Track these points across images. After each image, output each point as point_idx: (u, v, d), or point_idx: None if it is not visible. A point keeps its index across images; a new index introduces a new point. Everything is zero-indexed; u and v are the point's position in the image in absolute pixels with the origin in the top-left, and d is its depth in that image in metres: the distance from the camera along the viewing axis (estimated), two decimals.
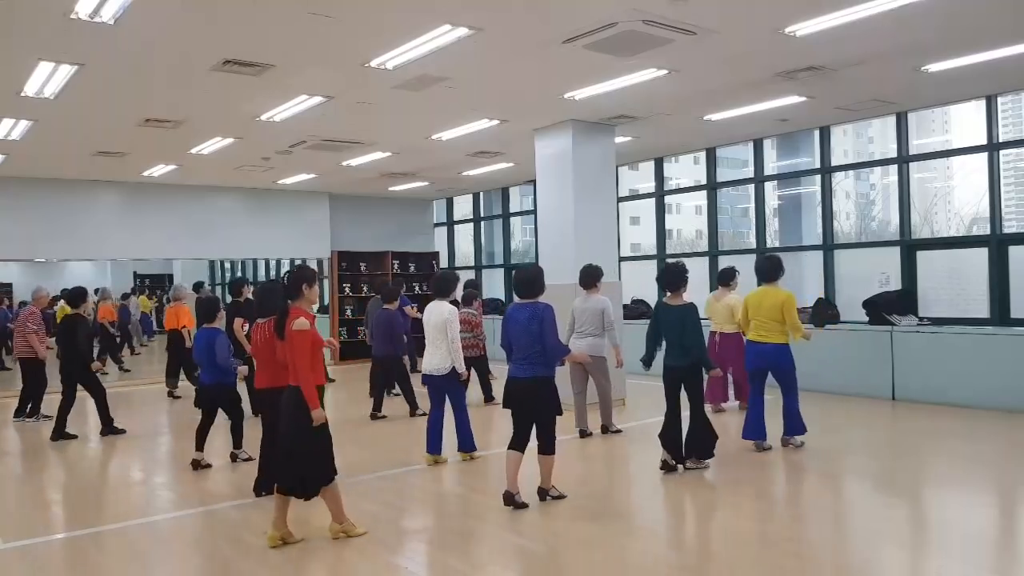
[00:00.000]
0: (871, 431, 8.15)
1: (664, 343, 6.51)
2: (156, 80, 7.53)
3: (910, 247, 10.13)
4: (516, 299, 5.75)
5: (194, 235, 14.39)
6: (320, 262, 16.44)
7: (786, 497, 6.06)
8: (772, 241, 11.97)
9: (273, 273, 23.11)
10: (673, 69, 7.59)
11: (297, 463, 4.81)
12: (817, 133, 10.91)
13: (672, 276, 6.52)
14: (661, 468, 6.45)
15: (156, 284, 24.80)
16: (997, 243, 9.28)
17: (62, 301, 9.86)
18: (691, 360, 6.34)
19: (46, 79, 7.31)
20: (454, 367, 6.81)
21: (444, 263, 17.71)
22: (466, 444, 7.12)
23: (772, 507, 5.81)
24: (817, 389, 10.05)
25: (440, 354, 6.80)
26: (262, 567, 4.67)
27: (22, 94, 7.74)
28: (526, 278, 5.65)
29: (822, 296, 10.73)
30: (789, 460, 6.81)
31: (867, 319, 10.05)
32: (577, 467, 6.89)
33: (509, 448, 5.61)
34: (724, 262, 11.29)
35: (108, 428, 8.81)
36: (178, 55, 6.79)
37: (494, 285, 16.99)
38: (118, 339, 15.62)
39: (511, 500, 5.54)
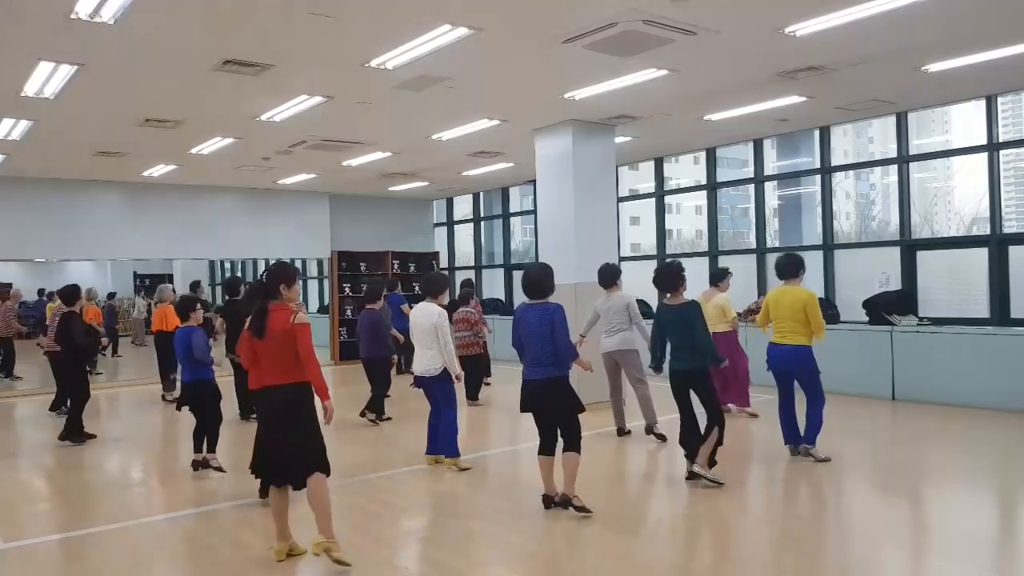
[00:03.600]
0: (871, 431, 8.15)
1: (669, 346, 6.23)
2: (156, 80, 7.53)
3: (910, 247, 10.13)
4: (525, 299, 5.58)
5: (194, 235, 14.39)
6: (320, 262, 16.45)
7: (787, 497, 6.06)
8: (772, 241, 11.97)
9: None
10: (673, 69, 7.59)
11: (307, 453, 4.60)
12: (817, 133, 10.91)
13: (667, 277, 6.24)
14: (687, 478, 6.14)
15: (156, 284, 24.73)
16: (997, 243, 9.28)
17: (57, 300, 9.69)
18: (696, 363, 6.03)
19: (46, 79, 7.31)
20: (444, 368, 6.66)
21: (444, 263, 17.71)
22: (450, 449, 6.89)
23: (773, 507, 5.82)
24: None
25: (429, 355, 6.67)
26: (261, 568, 4.67)
27: (22, 94, 7.74)
28: (534, 280, 5.50)
29: (822, 296, 10.73)
30: (789, 460, 6.80)
31: (867, 319, 10.05)
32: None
33: (539, 453, 5.59)
34: (724, 262, 11.32)
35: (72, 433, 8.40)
36: (178, 55, 6.79)
37: (494, 285, 16.98)
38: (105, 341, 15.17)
39: (549, 502, 5.52)
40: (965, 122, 10.26)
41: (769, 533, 5.17)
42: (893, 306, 9.84)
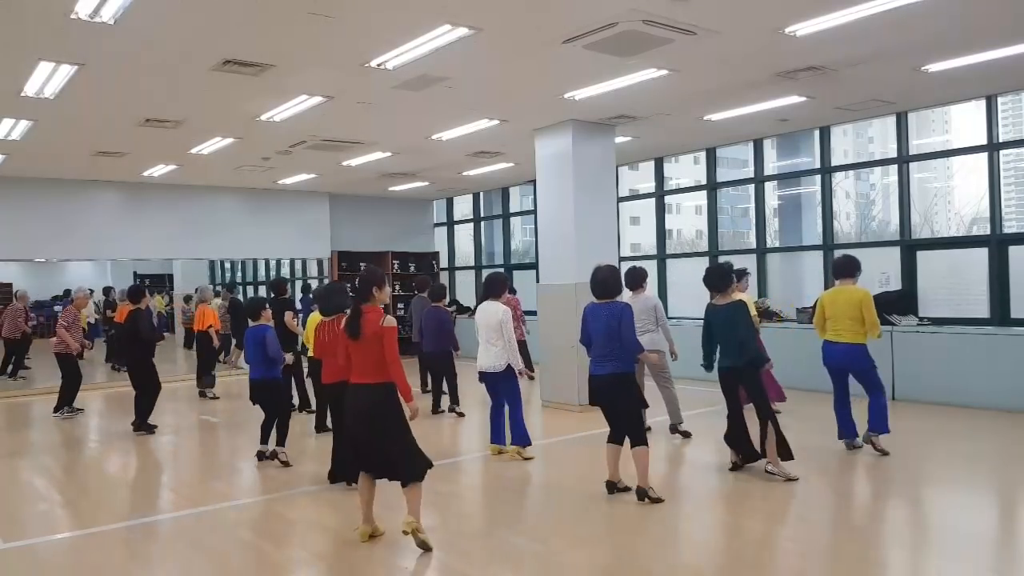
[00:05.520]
0: None
1: (719, 345, 6.39)
2: (156, 80, 7.53)
3: (910, 247, 10.13)
4: (593, 299, 5.93)
5: (194, 235, 14.39)
6: (320, 262, 16.45)
7: (787, 497, 6.06)
8: (772, 241, 11.97)
9: (273, 273, 23.13)
10: (673, 69, 7.59)
11: (405, 454, 4.87)
12: (817, 133, 10.91)
13: (716, 277, 6.42)
14: (731, 468, 6.45)
15: (156, 284, 24.81)
16: (997, 243, 9.28)
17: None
18: (745, 359, 6.21)
19: (46, 79, 7.31)
20: (509, 364, 7.03)
21: (444, 263, 17.72)
22: (519, 439, 7.29)
23: (773, 507, 5.81)
24: (817, 389, 10.01)
25: (494, 352, 7.06)
26: (263, 566, 4.67)
27: (22, 94, 7.75)
28: (602, 280, 5.87)
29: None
30: (794, 459, 6.79)
31: None
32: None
33: (608, 441, 5.90)
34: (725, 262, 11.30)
35: (142, 424, 9.03)
36: (178, 55, 6.79)
37: None
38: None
39: (612, 488, 5.85)
40: (965, 122, 10.26)
41: (768, 533, 5.16)
42: (893, 306, 9.83)
